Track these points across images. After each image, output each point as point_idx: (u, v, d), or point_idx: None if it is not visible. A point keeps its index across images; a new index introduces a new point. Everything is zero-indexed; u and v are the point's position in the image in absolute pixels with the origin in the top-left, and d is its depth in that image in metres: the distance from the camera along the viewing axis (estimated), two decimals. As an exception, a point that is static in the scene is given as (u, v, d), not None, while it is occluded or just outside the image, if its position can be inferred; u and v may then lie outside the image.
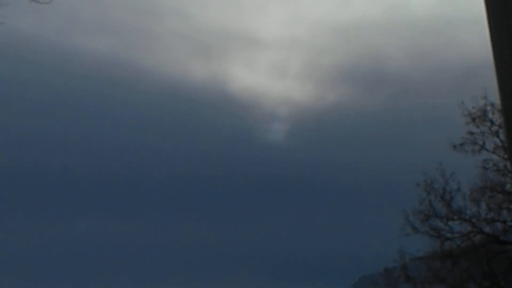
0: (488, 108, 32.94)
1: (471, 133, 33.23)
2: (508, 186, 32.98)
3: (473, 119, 33.18)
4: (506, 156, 32.50)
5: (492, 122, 32.99)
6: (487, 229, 33.32)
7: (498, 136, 32.90)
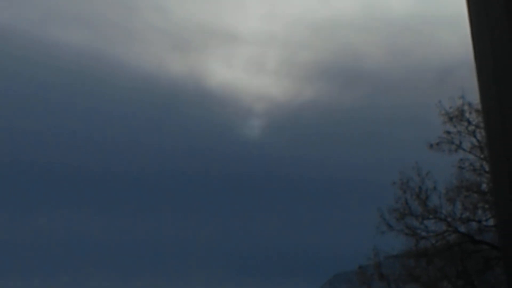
0: (465, 107, 33.07)
1: (448, 132, 33.34)
2: (484, 186, 33.11)
3: (450, 119, 33.28)
4: (482, 156, 32.63)
5: (469, 122, 33.12)
6: (462, 229, 33.45)
7: (475, 136, 33.03)
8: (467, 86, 32.73)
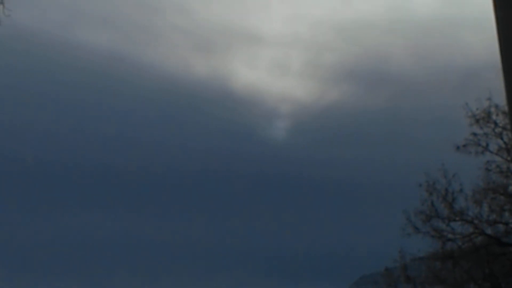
0: (492, 109, 32.89)
1: (475, 134, 33.18)
2: (510, 188, 32.93)
3: (477, 120, 33.10)
4: (509, 158, 32.47)
5: (496, 124, 32.93)
6: (488, 231, 33.28)
7: (501, 138, 32.85)
8: (494, 87, 32.60)
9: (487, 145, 33.10)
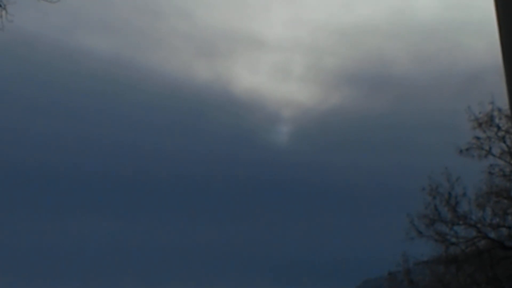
0: (495, 113, 32.89)
1: (478, 138, 33.17)
2: (514, 191, 32.90)
3: (480, 124, 33.10)
4: (512, 162, 32.46)
5: (498, 127, 32.92)
6: (492, 235, 33.25)
7: (504, 142, 32.84)
8: (496, 91, 32.60)
9: (490, 148, 33.09)
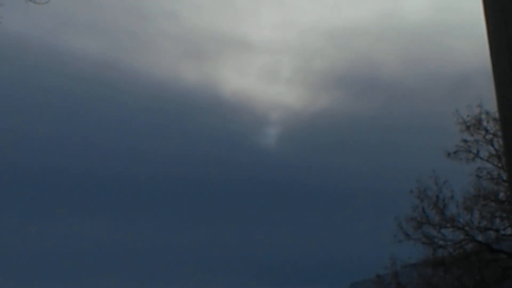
0: (483, 116, 32.96)
1: (465, 141, 33.23)
2: (501, 194, 32.95)
3: (468, 127, 33.16)
4: (500, 165, 32.50)
5: (486, 131, 32.99)
6: (479, 237, 33.30)
7: (492, 145, 32.90)
8: (484, 94, 32.66)
9: (478, 151, 33.16)
